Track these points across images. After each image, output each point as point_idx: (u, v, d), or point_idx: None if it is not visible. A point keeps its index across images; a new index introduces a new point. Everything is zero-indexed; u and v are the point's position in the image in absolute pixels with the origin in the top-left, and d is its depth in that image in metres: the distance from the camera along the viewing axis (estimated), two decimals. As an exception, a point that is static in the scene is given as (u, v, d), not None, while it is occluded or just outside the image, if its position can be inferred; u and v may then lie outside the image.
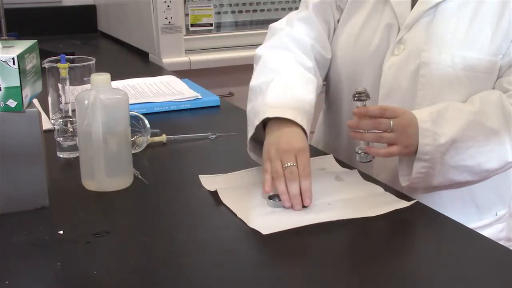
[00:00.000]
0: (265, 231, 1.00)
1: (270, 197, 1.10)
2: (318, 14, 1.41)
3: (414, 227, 1.07)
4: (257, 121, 1.20)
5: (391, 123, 1.14)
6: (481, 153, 1.20)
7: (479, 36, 1.23)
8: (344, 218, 1.04)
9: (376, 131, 1.15)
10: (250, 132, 1.21)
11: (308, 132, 1.19)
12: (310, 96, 1.26)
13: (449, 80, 1.24)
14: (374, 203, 1.11)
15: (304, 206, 1.09)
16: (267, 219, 1.04)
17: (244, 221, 1.04)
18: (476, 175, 1.23)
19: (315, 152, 1.37)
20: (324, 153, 1.34)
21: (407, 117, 1.17)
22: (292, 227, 1.01)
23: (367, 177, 1.21)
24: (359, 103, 1.16)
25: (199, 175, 1.21)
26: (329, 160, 1.29)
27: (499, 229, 1.39)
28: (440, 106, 1.22)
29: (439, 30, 1.25)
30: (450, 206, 1.27)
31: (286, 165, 1.11)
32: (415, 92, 1.27)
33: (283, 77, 1.28)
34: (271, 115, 1.18)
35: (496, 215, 1.39)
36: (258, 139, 1.23)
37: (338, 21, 1.41)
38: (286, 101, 1.21)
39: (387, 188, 1.17)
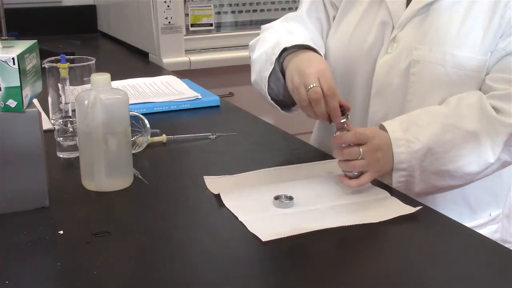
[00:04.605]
0: (264, 237, 0.98)
1: (276, 197, 1.10)
2: (311, 13, 1.44)
3: (412, 227, 1.06)
4: (275, 55, 1.28)
5: (361, 150, 1.14)
6: (461, 156, 1.19)
7: (471, 35, 1.23)
8: (346, 225, 1.03)
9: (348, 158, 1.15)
10: (268, 70, 1.29)
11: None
12: (320, 42, 1.36)
13: (439, 78, 1.25)
14: (379, 208, 1.10)
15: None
16: (268, 224, 1.03)
17: (245, 224, 1.03)
18: (458, 179, 1.23)
19: (317, 153, 1.37)
20: (330, 156, 1.33)
21: (375, 143, 1.16)
22: (292, 234, 1.00)
23: (374, 181, 1.20)
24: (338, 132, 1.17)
25: (204, 176, 1.21)
26: (337, 164, 1.28)
27: (493, 230, 1.39)
28: (413, 113, 1.23)
29: (431, 29, 1.26)
30: (443, 205, 1.27)
31: (309, 87, 1.13)
32: (406, 90, 1.28)
33: (288, 39, 1.33)
34: (287, 45, 1.25)
35: (490, 215, 1.39)
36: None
37: (334, 17, 1.42)
38: (298, 40, 1.28)
39: (394, 192, 1.16)
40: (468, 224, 1.29)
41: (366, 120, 1.34)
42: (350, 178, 1.15)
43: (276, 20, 1.49)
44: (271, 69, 1.29)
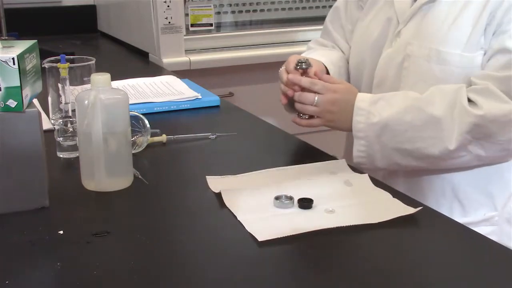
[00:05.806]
0: (261, 237, 0.98)
1: (277, 198, 1.10)
2: (333, 23, 1.60)
3: (413, 227, 1.06)
4: None
5: (316, 98, 1.28)
6: (419, 138, 1.25)
7: (458, 32, 1.28)
8: (344, 225, 1.03)
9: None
10: None
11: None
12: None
13: (424, 73, 1.31)
14: (379, 209, 1.09)
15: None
16: (266, 225, 1.03)
17: (243, 224, 1.04)
18: (420, 160, 1.28)
19: (318, 154, 1.36)
20: (332, 157, 1.33)
21: (334, 96, 1.29)
22: (291, 234, 1.00)
23: (377, 182, 1.20)
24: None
25: (206, 176, 1.21)
26: (341, 165, 1.28)
27: (487, 232, 1.38)
28: (392, 93, 1.31)
29: (426, 25, 1.32)
30: (434, 199, 1.33)
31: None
32: (399, 83, 1.35)
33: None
34: None
35: (484, 215, 1.39)
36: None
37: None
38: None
39: (395, 193, 1.16)
40: (459, 220, 1.30)
41: None
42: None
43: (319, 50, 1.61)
44: None
